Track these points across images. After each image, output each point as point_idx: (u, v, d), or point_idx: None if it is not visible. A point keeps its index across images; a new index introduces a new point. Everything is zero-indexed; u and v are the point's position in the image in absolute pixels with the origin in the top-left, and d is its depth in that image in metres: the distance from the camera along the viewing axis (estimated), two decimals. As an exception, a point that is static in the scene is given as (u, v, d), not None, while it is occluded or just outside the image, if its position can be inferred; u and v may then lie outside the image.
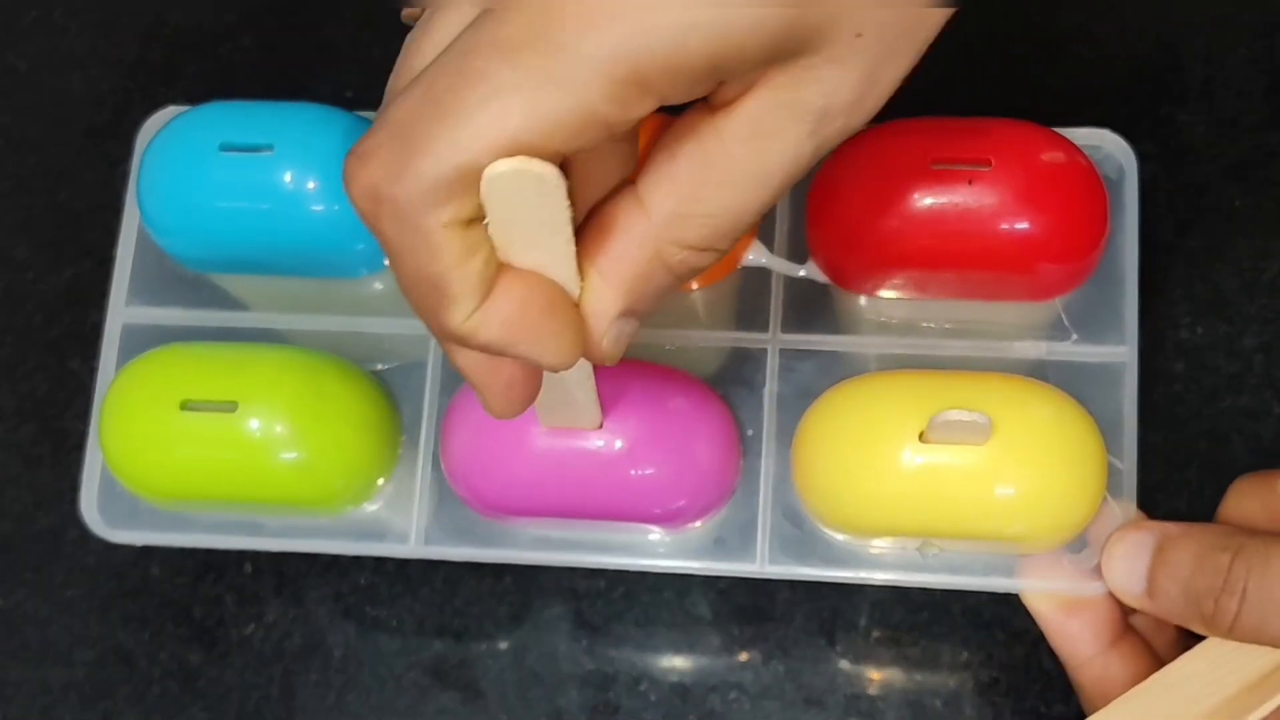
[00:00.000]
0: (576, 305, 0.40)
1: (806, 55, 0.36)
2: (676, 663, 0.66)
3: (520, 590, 0.68)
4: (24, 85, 0.78)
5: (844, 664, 0.65)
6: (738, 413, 0.58)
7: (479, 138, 0.34)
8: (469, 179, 0.35)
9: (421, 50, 0.38)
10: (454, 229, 0.36)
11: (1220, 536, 0.50)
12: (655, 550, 0.59)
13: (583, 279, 0.39)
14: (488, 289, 0.38)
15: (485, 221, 0.37)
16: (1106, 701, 0.53)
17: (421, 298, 0.38)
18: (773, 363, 0.58)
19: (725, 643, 0.66)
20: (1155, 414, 0.56)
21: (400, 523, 0.59)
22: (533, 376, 0.44)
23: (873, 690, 0.65)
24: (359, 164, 0.36)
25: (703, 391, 0.57)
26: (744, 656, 0.66)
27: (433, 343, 0.60)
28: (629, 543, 0.59)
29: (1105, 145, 0.58)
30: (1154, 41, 0.71)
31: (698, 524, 0.58)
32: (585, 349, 0.41)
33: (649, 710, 0.66)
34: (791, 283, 0.59)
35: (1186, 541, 0.51)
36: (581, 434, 0.55)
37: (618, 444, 0.55)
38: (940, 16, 0.38)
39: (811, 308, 0.59)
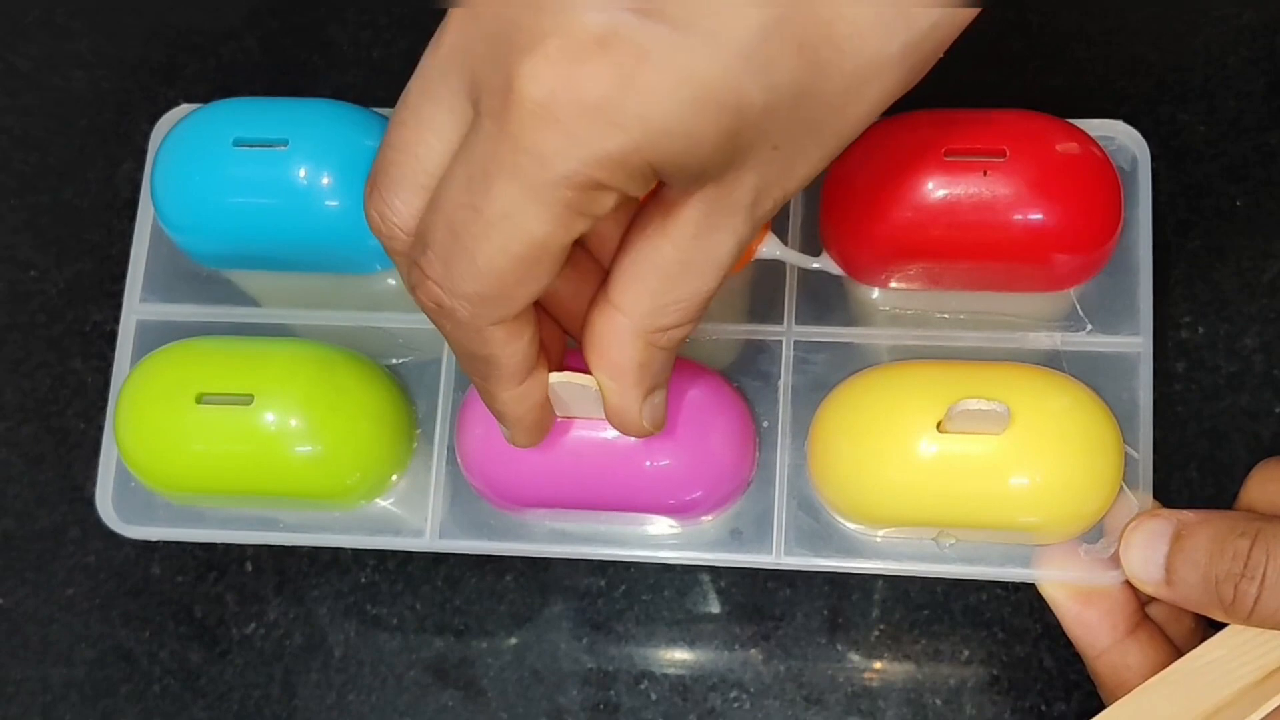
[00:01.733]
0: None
1: (732, 170, 0.42)
2: (677, 661, 0.66)
3: (521, 589, 0.68)
4: (27, 85, 0.78)
5: (845, 662, 0.66)
6: (753, 405, 0.59)
7: (496, 261, 0.42)
8: (500, 290, 0.43)
9: (425, 142, 0.44)
10: (499, 326, 0.45)
11: (1239, 522, 0.51)
12: (670, 543, 0.59)
13: (600, 389, 0.49)
14: (529, 367, 0.48)
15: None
16: (1124, 691, 0.53)
17: (474, 369, 0.48)
18: (787, 355, 0.59)
19: (726, 641, 0.66)
20: (1155, 413, 0.56)
21: (414, 518, 0.60)
22: (552, 412, 0.52)
23: (873, 688, 0.65)
24: (420, 276, 0.44)
25: (718, 384, 0.57)
26: (745, 655, 0.66)
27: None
28: (643, 536, 0.59)
29: (1118, 136, 0.58)
30: (1154, 41, 0.71)
31: (713, 516, 0.58)
32: (630, 431, 0.50)
33: (650, 709, 0.66)
34: (806, 275, 0.59)
35: (1205, 528, 0.51)
36: (598, 425, 0.54)
37: (633, 435, 0.55)
38: (856, 125, 0.43)
39: (826, 300, 0.60)
